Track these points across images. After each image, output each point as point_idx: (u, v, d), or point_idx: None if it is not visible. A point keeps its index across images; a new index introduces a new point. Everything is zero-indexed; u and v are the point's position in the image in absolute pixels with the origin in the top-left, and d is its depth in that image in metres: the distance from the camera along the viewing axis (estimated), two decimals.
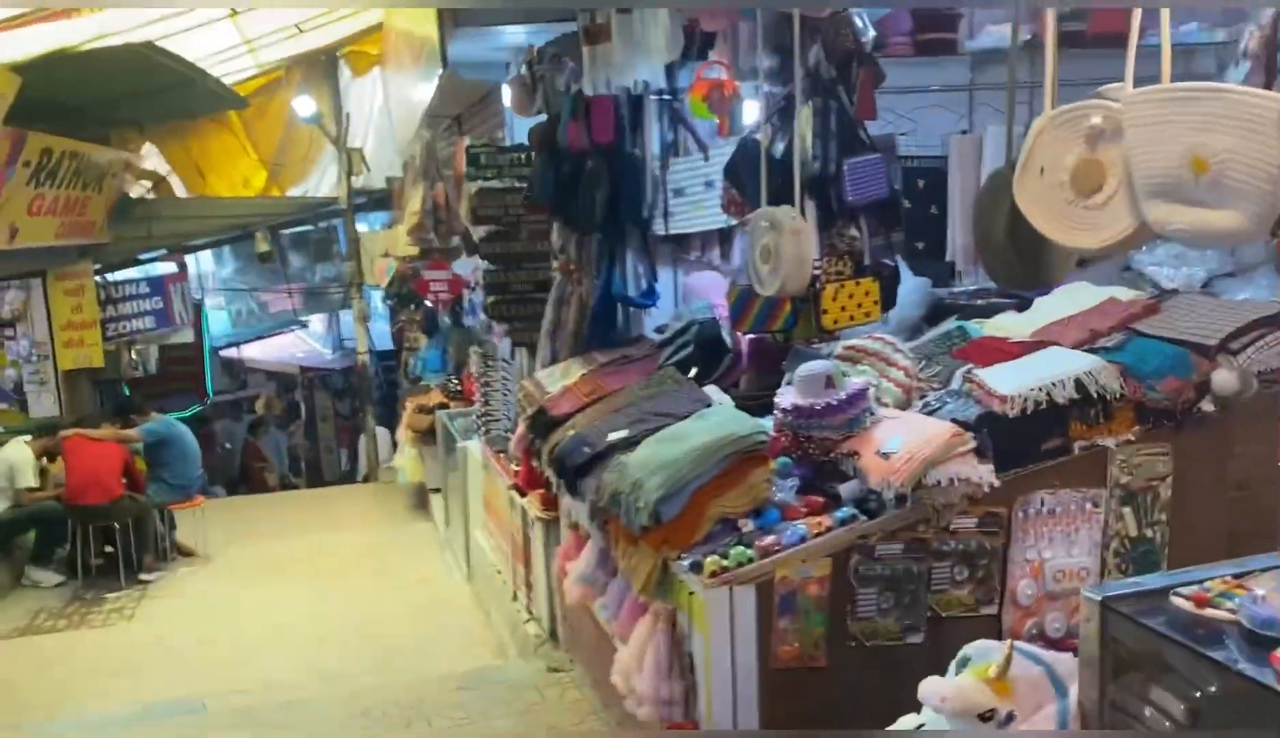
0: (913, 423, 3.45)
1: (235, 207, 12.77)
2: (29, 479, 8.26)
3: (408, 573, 8.11)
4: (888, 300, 3.78)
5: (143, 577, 8.30)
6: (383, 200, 12.50)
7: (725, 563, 3.15)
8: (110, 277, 13.20)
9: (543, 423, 4.48)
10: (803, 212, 3.56)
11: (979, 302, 4.74)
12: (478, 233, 7.02)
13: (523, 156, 6.61)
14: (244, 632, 6.74)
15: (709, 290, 4.83)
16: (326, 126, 12.46)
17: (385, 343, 19.93)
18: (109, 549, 8.26)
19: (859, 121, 3.59)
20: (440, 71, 6.15)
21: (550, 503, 5.19)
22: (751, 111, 4.16)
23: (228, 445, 18.85)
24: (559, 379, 4.81)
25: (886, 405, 3.62)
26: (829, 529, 3.25)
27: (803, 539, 3.21)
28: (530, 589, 5.73)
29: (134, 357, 14.60)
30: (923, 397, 3.73)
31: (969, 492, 3.26)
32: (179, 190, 12.96)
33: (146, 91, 10.32)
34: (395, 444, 14.57)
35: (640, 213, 4.73)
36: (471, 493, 7.42)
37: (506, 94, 5.91)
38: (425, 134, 7.96)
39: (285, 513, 10.97)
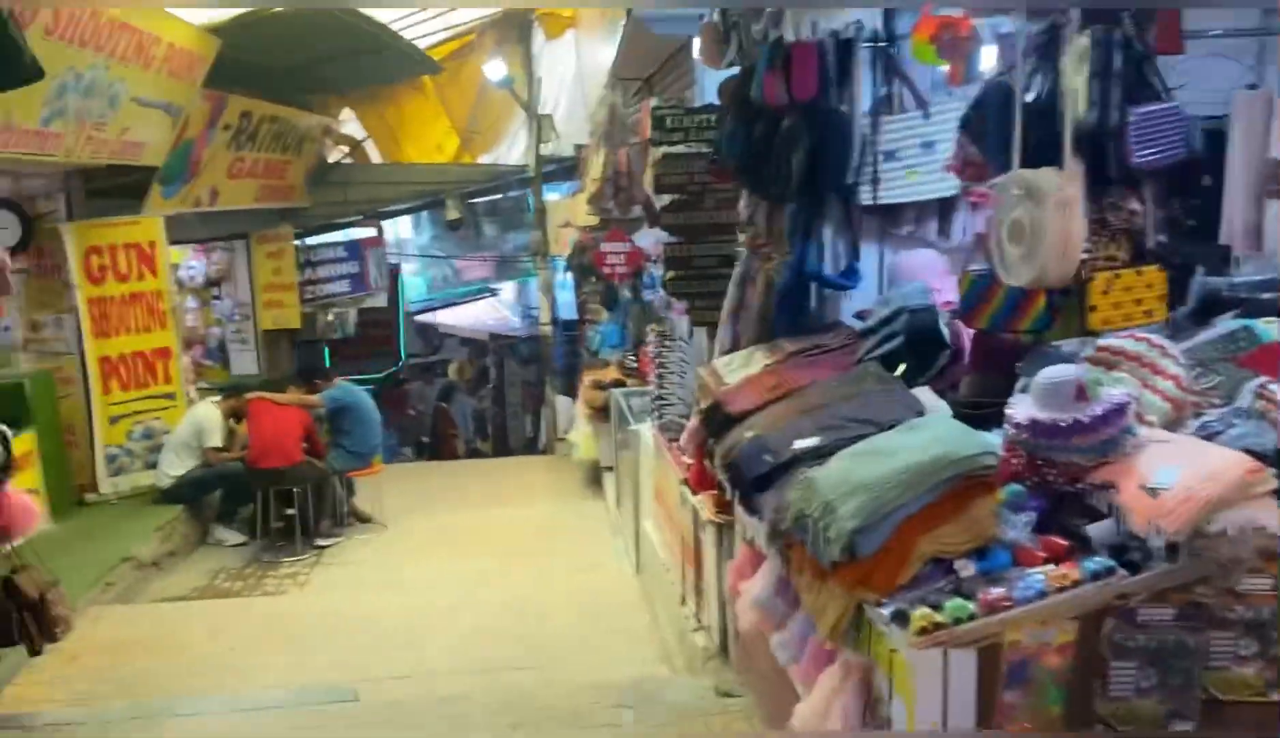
0: (1190, 450, 2.69)
1: (428, 173, 12.78)
2: (215, 439, 8.39)
3: (577, 556, 7.76)
4: (1174, 296, 2.97)
5: (319, 542, 8.29)
6: (571, 169, 12.19)
7: (939, 618, 2.50)
8: (308, 240, 13.56)
9: (718, 419, 3.91)
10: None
11: (1265, 295, 3.82)
12: (660, 202, 6.53)
13: (712, 118, 6.02)
14: (408, 609, 6.53)
15: (922, 272, 4.12)
16: (518, 92, 12.25)
17: (570, 313, 19.91)
18: (289, 512, 8.29)
19: (1152, 57, 2.78)
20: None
21: (724, 506, 4.63)
22: (989, 58, 3.41)
23: (419, 408, 19.28)
24: (739, 368, 4.22)
25: (1151, 424, 2.86)
26: (1076, 583, 2.54)
27: (1041, 594, 2.52)
28: (700, 596, 5.20)
29: (331, 319, 14.99)
30: (1198, 415, 2.94)
31: (1266, 545, 2.49)
32: (374, 156, 13.07)
33: (342, 55, 10.35)
34: (573, 417, 14.43)
35: (843, 179, 4.05)
36: (643, 480, 6.96)
37: (696, 47, 5.34)
38: (612, 97, 7.50)
39: (464, 482, 10.90)
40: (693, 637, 5.20)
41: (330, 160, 12.79)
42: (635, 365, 9.06)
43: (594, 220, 7.02)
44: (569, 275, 12.25)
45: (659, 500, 6.29)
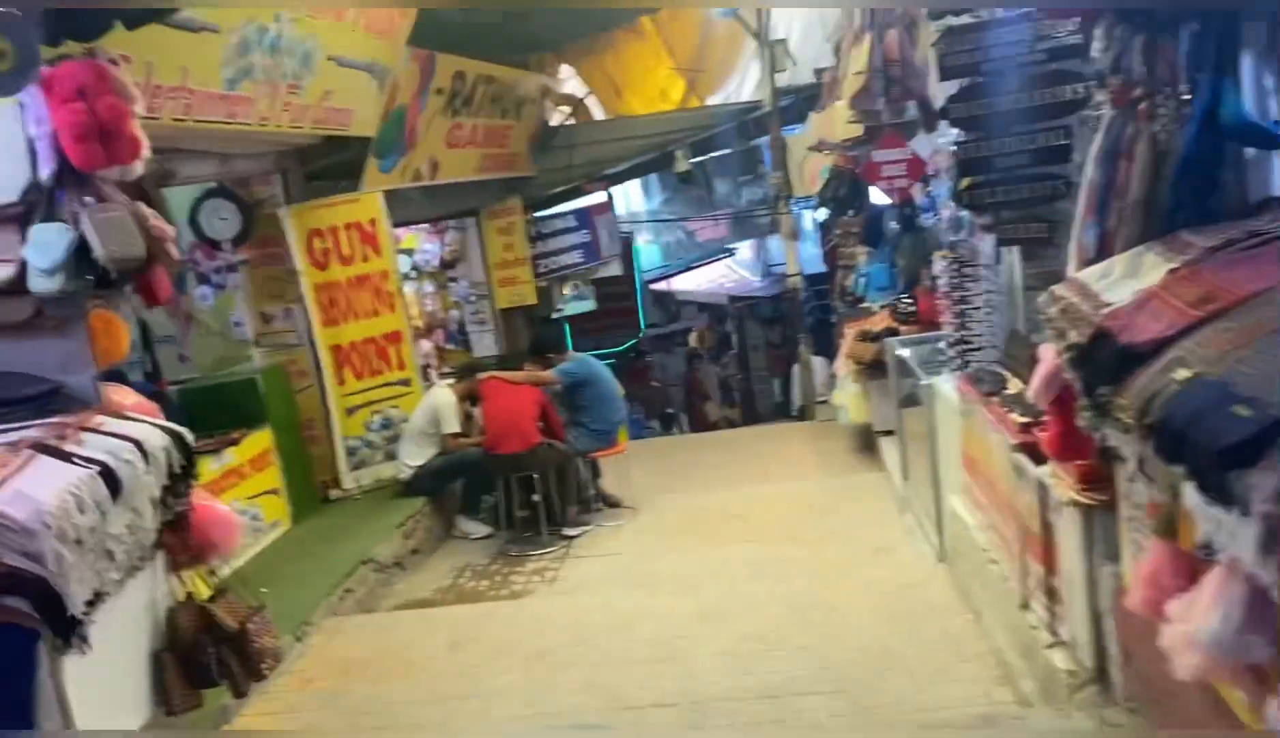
0: None
1: (654, 124, 11.78)
2: (452, 424, 7.74)
3: (862, 540, 6.52)
4: None
5: (567, 532, 7.49)
6: (812, 98, 10.83)
7: None
8: (537, 212, 12.97)
9: (1105, 355, 2.59)
10: None
11: None
12: (944, 93, 5.16)
13: None
14: (668, 613, 5.54)
15: None
16: (746, 19, 10.98)
17: (814, 266, 18.61)
18: (535, 499, 7.53)
19: None
20: None
21: (1098, 480, 3.28)
22: None
23: (662, 379, 18.52)
24: (1123, 279, 2.86)
25: None
26: None
27: None
28: (1055, 602, 3.85)
29: (568, 292, 14.40)
30: None
31: None
32: (597, 113, 12.22)
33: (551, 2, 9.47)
34: (833, 376, 13.12)
35: None
36: (943, 446, 5.62)
37: None
38: None
39: (719, 455, 9.86)
40: (1046, 655, 3.87)
41: (552, 124, 12.04)
42: (913, 309, 7.68)
43: (855, 131, 5.71)
44: (819, 214, 10.94)
45: (973, 471, 4.95)
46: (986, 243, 5.16)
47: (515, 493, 7.56)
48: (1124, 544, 3.21)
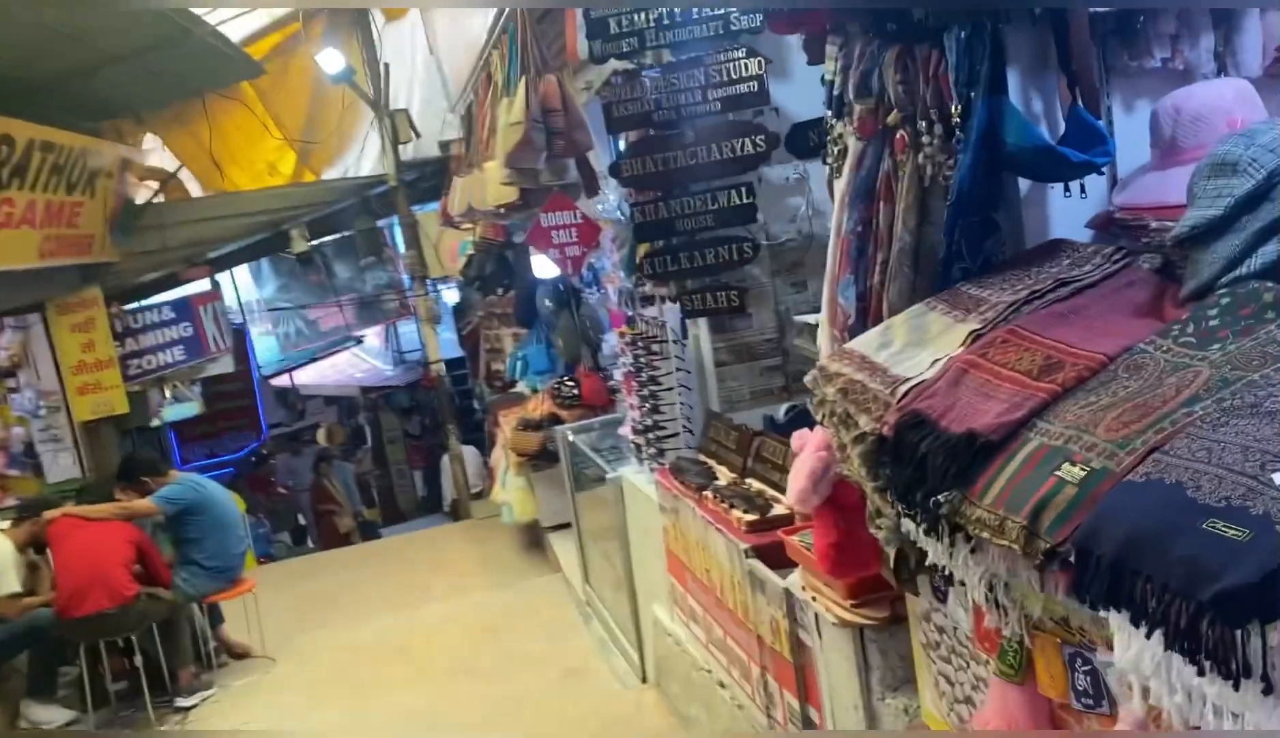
0: None
1: (263, 200, 10.38)
2: (11, 583, 5.91)
3: (549, 662, 5.65)
4: None
5: (181, 702, 5.94)
6: (440, 171, 10.04)
7: None
8: (127, 304, 11.02)
9: (935, 446, 1.92)
10: None
11: None
12: (607, 149, 4.58)
13: (673, 14, 4.14)
14: None
15: (1219, 118, 2.23)
16: (361, 86, 10.01)
17: (450, 350, 17.73)
18: (135, 664, 5.90)
19: None
20: None
21: (871, 592, 2.65)
22: None
23: (290, 485, 16.63)
24: (912, 347, 2.25)
25: None
26: None
27: None
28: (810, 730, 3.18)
29: (169, 396, 12.40)
30: None
31: None
32: (193, 189, 10.61)
33: (129, 53, 7.95)
34: (489, 468, 12.24)
35: None
36: (639, 547, 4.92)
37: None
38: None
39: (366, 574, 8.57)
40: None
41: (137, 202, 10.26)
42: (576, 392, 7.02)
43: (509, 194, 4.93)
44: (462, 293, 10.11)
45: (682, 577, 4.25)
46: (672, 315, 4.57)
47: (106, 661, 5.88)
48: (921, 673, 2.59)
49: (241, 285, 18.17)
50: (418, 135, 10.22)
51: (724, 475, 4.00)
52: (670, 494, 4.19)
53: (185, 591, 6.13)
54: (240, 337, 15.87)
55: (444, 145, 10.12)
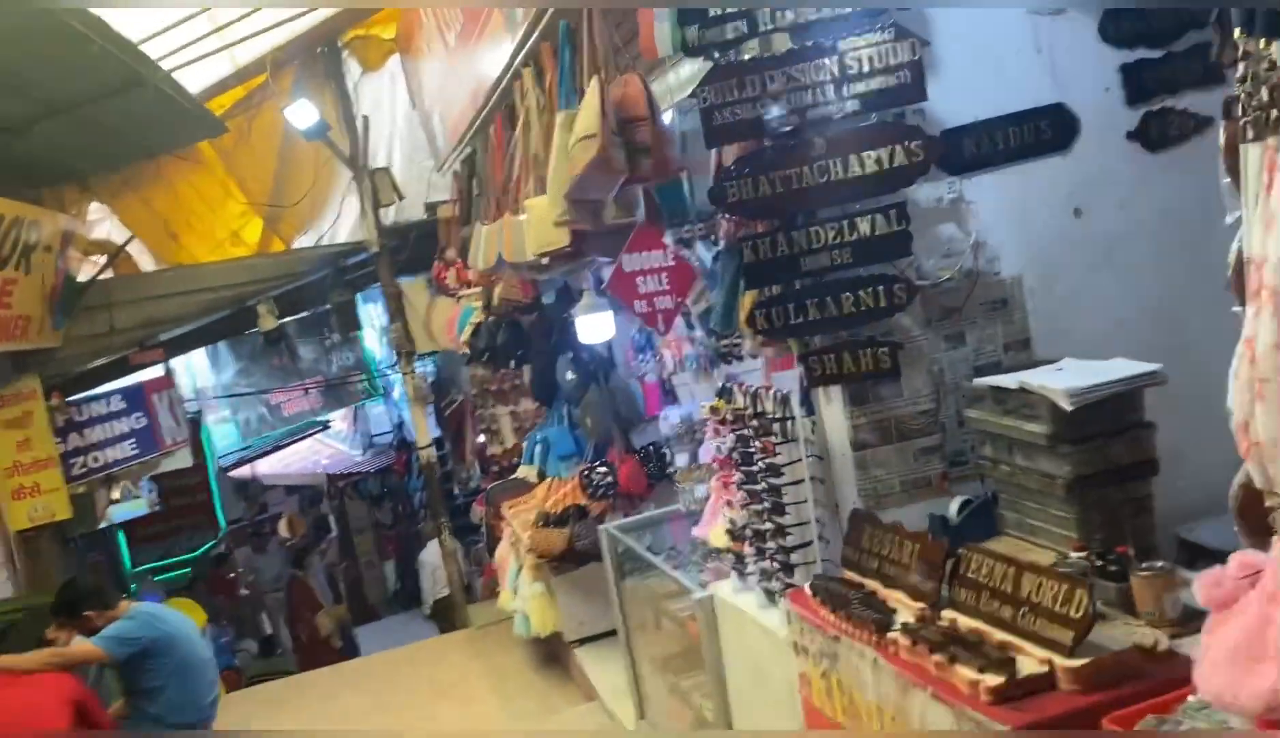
0: None
1: (225, 274, 9.24)
2: None
3: None
4: None
5: None
6: (426, 236, 8.98)
7: None
8: (70, 395, 9.77)
9: None
10: None
11: None
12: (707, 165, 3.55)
13: None
14: None
15: None
16: (337, 142, 8.95)
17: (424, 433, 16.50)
18: None
19: None
20: None
21: None
22: None
23: (254, 585, 15.16)
24: None
25: None
26: None
27: None
28: None
29: (114, 497, 11.08)
30: None
31: None
32: (144, 263, 9.43)
33: (71, 104, 6.86)
34: (478, 567, 11.00)
35: None
36: (745, 688, 3.77)
37: None
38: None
39: (356, 703, 7.24)
40: None
41: (81, 279, 9.05)
42: (610, 480, 5.90)
43: (560, 238, 3.83)
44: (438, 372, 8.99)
45: None
46: (789, 383, 3.50)
47: None
48: None
49: (197, 369, 16.95)
50: (401, 197, 9.17)
51: (900, 605, 2.89)
52: (818, 631, 3.06)
53: None
54: (196, 426, 14.61)
55: (430, 208, 9.10)
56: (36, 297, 8.28)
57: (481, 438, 10.42)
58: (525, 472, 8.70)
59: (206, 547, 15.38)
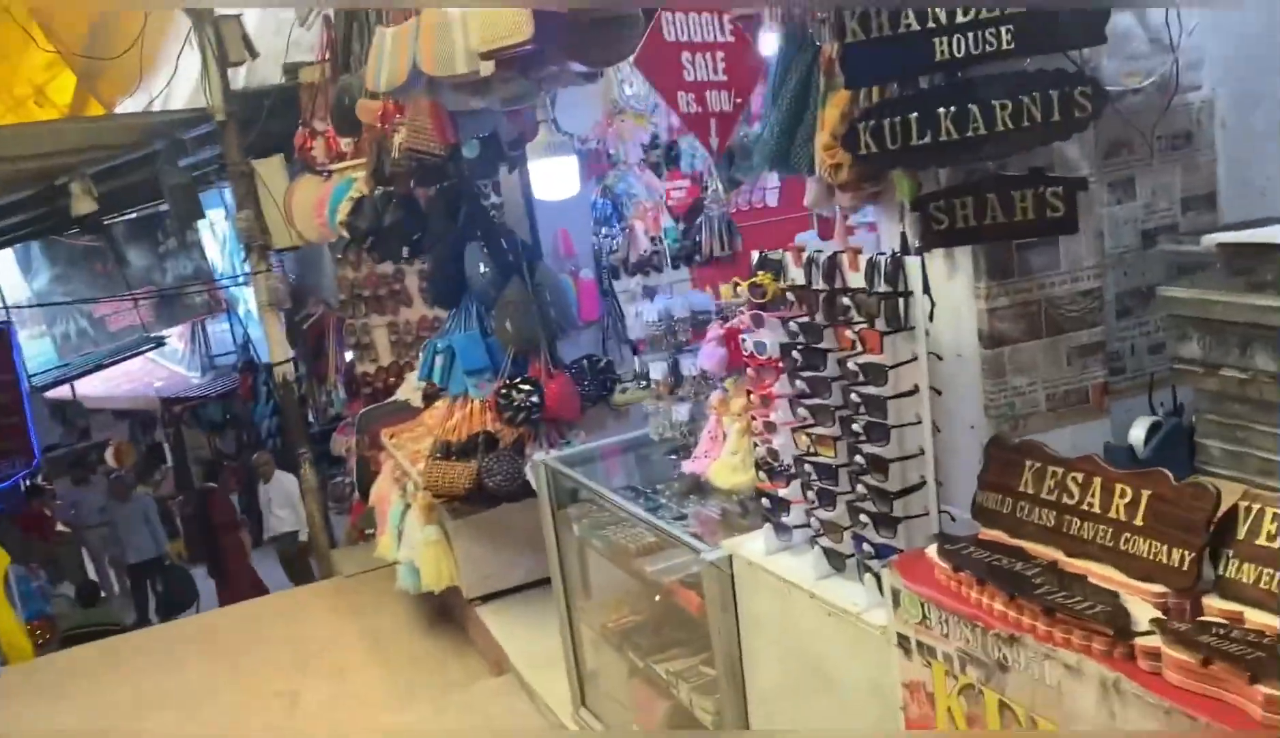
0: None
1: (26, 140, 7.39)
2: None
3: None
4: None
5: None
6: (286, 105, 7.36)
7: None
8: None
9: None
10: None
11: None
12: None
13: None
14: None
15: None
16: None
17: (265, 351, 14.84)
18: None
19: None
20: None
21: None
22: None
23: (77, 520, 13.24)
24: None
25: None
26: None
27: None
28: None
29: None
30: None
31: None
32: None
33: None
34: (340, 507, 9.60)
35: None
36: (787, 696, 2.62)
37: None
38: None
39: (199, 678, 5.80)
40: None
41: None
42: (535, 401, 4.64)
43: (515, 30, 2.62)
44: (345, 251, 7.47)
45: None
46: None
47: None
48: None
49: (4, 274, 14.70)
50: (254, 55, 7.49)
51: (1112, 587, 1.79)
52: (967, 624, 1.92)
53: None
54: (4, 337, 12.58)
55: (291, 70, 7.46)
56: None
57: (349, 355, 8.93)
58: (408, 393, 7.32)
59: (17, 476, 13.38)
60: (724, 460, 3.02)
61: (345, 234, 5.23)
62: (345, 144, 6.04)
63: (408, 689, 5.12)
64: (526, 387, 4.70)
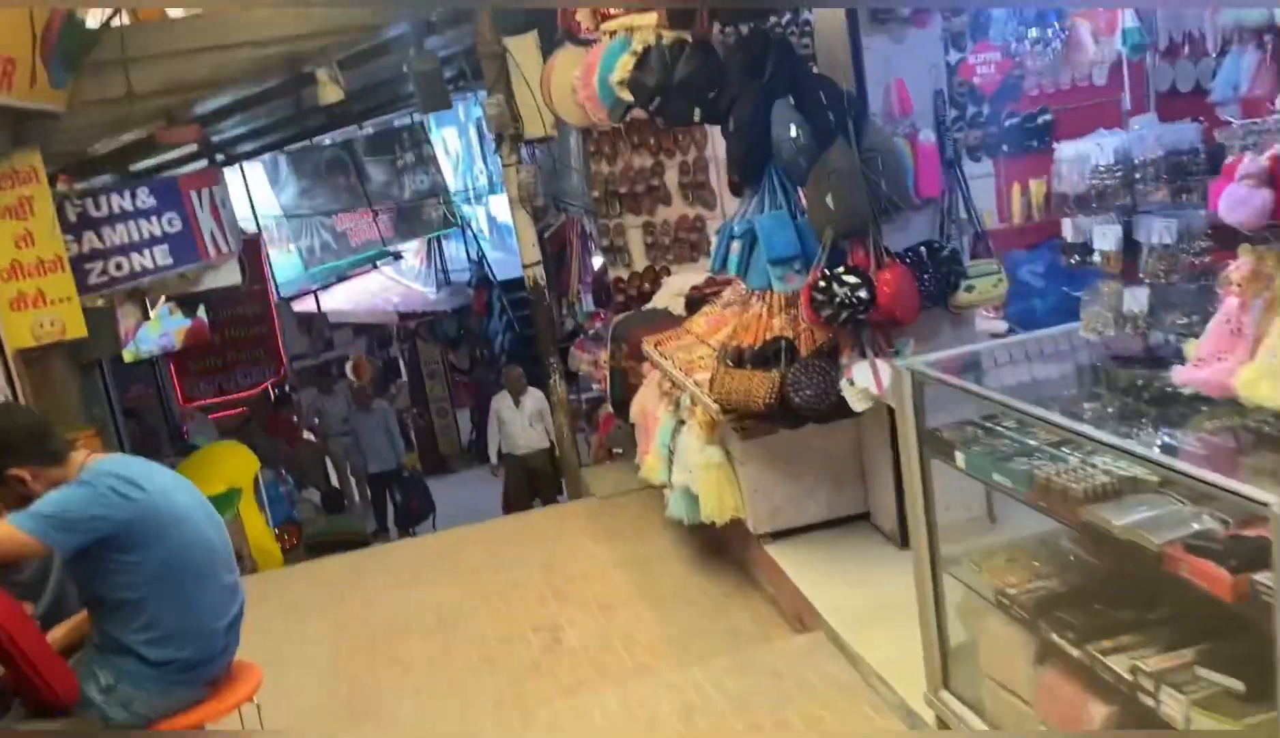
0: None
1: (272, 25, 6.97)
2: None
3: None
4: None
5: None
6: None
7: None
8: (82, 180, 7.83)
9: None
10: None
11: None
12: None
13: None
14: None
15: None
16: None
17: (507, 270, 14.55)
18: None
19: None
20: None
21: None
22: None
23: (314, 429, 13.44)
24: None
25: None
26: None
27: None
28: None
29: (153, 317, 9.23)
30: None
31: None
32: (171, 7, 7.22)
33: None
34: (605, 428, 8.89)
35: None
36: None
37: None
38: None
39: (449, 602, 5.26)
40: None
41: (90, 25, 6.88)
42: (864, 296, 3.65)
43: None
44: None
45: None
46: None
47: None
48: None
49: (254, 187, 14.99)
50: None
51: None
52: None
53: (107, 709, 2.85)
54: (255, 247, 12.68)
55: None
56: (23, 34, 6.14)
57: (599, 261, 8.20)
58: (666, 300, 6.50)
59: (266, 384, 13.72)
60: (1262, 364, 1.95)
61: (627, 96, 4.35)
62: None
63: (685, 638, 4.34)
64: (852, 278, 3.72)
